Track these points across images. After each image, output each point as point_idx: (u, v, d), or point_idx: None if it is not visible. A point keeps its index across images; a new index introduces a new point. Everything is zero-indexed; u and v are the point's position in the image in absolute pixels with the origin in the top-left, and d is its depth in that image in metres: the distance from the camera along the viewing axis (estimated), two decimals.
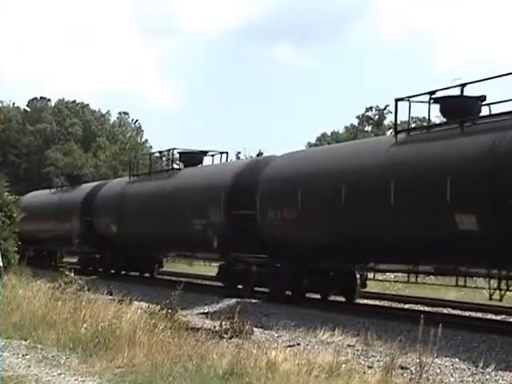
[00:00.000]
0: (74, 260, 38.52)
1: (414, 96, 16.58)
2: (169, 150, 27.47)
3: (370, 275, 20.20)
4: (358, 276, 19.21)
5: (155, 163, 34.28)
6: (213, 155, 26.79)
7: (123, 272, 30.80)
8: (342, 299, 19.95)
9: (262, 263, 20.37)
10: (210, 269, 28.50)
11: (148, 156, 35.48)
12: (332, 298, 21.18)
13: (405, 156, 15.92)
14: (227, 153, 26.83)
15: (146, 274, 30.32)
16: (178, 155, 28.60)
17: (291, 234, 19.00)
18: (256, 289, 21.15)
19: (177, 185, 25.29)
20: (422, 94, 16.44)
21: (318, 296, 20.25)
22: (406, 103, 16.86)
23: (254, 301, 19.76)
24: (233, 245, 21.49)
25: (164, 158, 34.69)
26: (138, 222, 27.50)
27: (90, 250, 31.63)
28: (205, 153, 27.02)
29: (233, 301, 19.59)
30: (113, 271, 30.55)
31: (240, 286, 21.79)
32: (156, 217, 25.80)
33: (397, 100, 16.82)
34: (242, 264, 21.33)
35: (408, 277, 18.76)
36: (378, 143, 18.60)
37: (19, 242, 26.53)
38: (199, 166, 26.61)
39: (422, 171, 15.16)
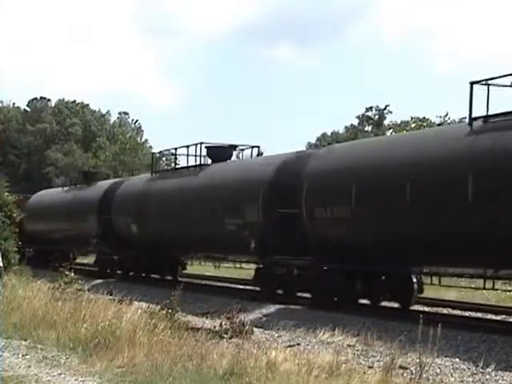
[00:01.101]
0: (88, 261, 37.43)
1: (492, 78, 14.68)
2: (196, 145, 25.09)
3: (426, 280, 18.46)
4: (414, 280, 17.54)
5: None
6: (242, 149, 25.18)
7: (143, 274, 28.78)
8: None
9: (306, 266, 18.67)
10: (238, 271, 27.34)
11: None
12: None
13: (485, 146, 14.15)
14: (258, 147, 24.88)
15: (168, 277, 28.23)
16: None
17: (342, 234, 17.33)
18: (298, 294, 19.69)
19: (206, 181, 23.37)
20: (504, 76, 14.52)
21: (364, 301, 18.54)
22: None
23: (295, 307, 18.37)
24: (273, 246, 19.60)
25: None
26: (161, 221, 25.63)
27: (107, 250, 29.84)
28: (234, 147, 25.09)
29: (275, 307, 18.35)
30: (132, 273, 28.81)
31: (280, 291, 20.11)
32: (182, 216, 23.96)
33: (472, 83, 14.90)
34: (282, 267, 19.51)
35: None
36: (448, 132, 16.78)
37: (19, 242, 26.54)
38: (228, 161, 24.69)
39: (509, 163, 13.51)
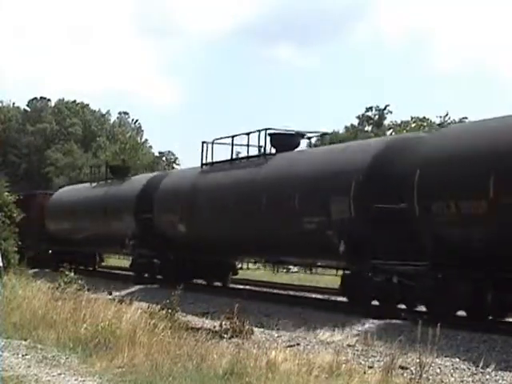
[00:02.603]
0: (116, 263, 35.80)
1: None
2: (259, 131, 21.62)
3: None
4: None
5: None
6: (310, 138, 22.59)
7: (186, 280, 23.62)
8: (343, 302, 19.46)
9: (419, 273, 15.18)
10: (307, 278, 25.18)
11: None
12: (338, 298, 21.15)
13: None
14: (328, 134, 22.85)
15: (217, 283, 25.08)
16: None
17: (473, 235, 14.05)
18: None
19: (274, 173, 20.06)
20: None
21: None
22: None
23: (394, 322, 15.34)
24: (369, 249, 16.33)
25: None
26: (216, 220, 22.16)
27: (147, 253, 26.25)
28: (302, 135, 22.17)
29: (374, 323, 15.38)
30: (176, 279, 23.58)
31: (375, 303, 16.78)
32: (243, 213, 20.67)
33: None
34: (381, 274, 16.08)
35: None
36: None
37: (19, 242, 26.53)
38: (297, 150, 21.54)
39: None
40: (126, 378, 9.51)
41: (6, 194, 26.63)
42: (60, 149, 74.24)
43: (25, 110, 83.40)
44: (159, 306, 14.69)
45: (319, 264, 21.47)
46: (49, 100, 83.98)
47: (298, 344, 13.57)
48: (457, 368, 11.33)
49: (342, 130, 72.65)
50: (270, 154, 21.32)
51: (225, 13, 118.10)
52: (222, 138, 23.50)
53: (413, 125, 53.58)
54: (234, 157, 23.31)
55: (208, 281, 25.12)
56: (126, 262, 33.09)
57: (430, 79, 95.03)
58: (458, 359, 11.78)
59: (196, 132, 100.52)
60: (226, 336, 13.69)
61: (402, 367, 10.89)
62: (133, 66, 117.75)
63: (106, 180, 31.69)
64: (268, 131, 21.46)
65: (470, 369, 11.27)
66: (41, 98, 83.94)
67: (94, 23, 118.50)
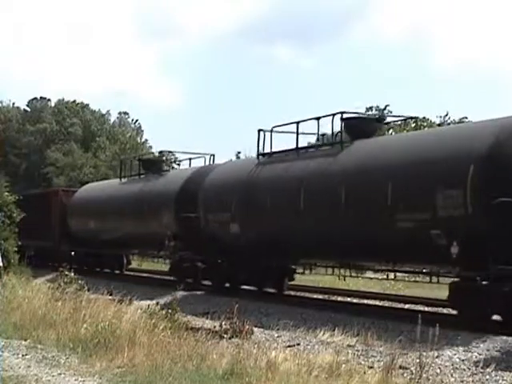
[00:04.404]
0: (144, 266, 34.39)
1: None
2: (333, 115, 18.66)
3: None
4: None
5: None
6: (387, 122, 20.10)
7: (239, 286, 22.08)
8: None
9: None
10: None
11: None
12: (335, 298, 21.15)
13: None
14: (416, 118, 19.34)
15: (269, 289, 21.89)
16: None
17: None
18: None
19: (357, 163, 17.13)
20: None
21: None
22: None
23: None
24: (491, 252, 13.44)
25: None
26: (280, 218, 19.26)
27: (190, 256, 23.57)
28: (380, 120, 19.76)
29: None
30: (228, 285, 22.30)
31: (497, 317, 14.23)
32: (315, 211, 17.86)
33: None
34: (510, 283, 13.26)
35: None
36: None
37: (19, 242, 26.52)
38: (381, 136, 18.96)
39: None
40: (126, 378, 9.52)
41: (6, 193, 26.66)
42: (60, 149, 74.21)
43: (25, 110, 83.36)
44: (159, 306, 14.69)
45: (416, 270, 18.47)
46: (49, 100, 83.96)
47: (298, 344, 13.56)
48: (457, 368, 11.33)
49: None
50: (347, 141, 18.44)
51: (225, 13, 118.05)
52: (281, 126, 20.50)
53: (413, 125, 53.52)
54: (284, 146, 20.59)
55: (260, 287, 22.02)
56: (155, 265, 32.09)
57: (430, 79, 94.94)
58: (457, 359, 11.78)
59: (196, 132, 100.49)
60: (225, 336, 13.69)
61: (401, 367, 10.89)
62: (133, 65, 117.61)
63: (139, 176, 29.03)
64: (347, 114, 18.79)
65: (470, 369, 11.27)
66: (41, 97, 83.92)
67: (94, 23, 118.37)
